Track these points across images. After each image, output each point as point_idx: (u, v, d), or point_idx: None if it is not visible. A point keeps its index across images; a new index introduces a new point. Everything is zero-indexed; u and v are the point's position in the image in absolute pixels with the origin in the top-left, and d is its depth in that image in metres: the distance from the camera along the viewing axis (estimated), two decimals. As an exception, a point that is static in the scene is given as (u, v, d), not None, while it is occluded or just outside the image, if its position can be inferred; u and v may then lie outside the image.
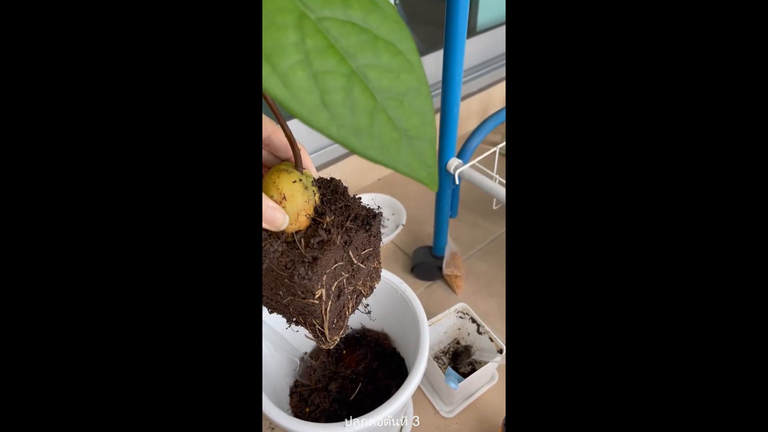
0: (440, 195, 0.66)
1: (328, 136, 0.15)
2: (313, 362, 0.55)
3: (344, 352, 0.58)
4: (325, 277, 0.26)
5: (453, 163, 0.61)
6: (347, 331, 0.32)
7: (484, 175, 0.59)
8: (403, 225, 0.88)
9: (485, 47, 1.15)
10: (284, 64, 0.14)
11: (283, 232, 0.27)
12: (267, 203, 0.24)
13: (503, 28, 1.15)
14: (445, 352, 0.68)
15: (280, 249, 0.26)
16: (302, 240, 0.26)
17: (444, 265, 0.76)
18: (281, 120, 0.26)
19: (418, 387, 0.62)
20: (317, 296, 0.26)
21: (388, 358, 0.57)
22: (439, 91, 0.99)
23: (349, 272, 0.29)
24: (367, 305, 0.34)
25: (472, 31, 1.12)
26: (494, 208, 0.70)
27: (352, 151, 0.15)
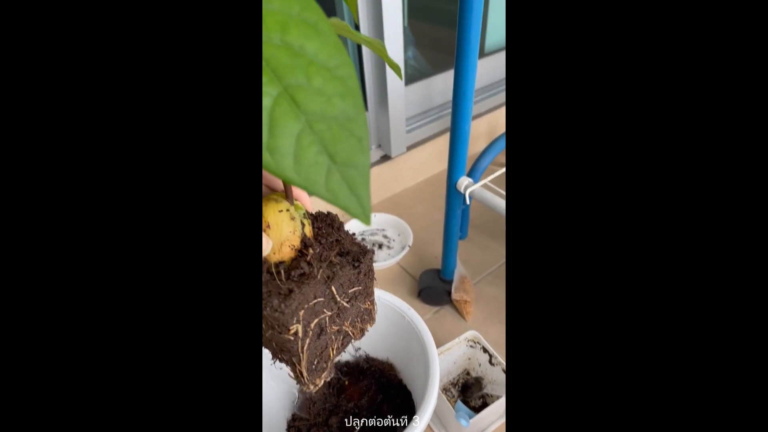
0: (449, 215, 0.64)
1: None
2: (313, 394, 0.51)
3: (346, 383, 0.54)
4: (302, 313, 0.25)
5: (463, 182, 0.58)
6: (332, 375, 0.30)
7: (496, 195, 0.56)
8: (409, 246, 0.85)
9: (493, 69, 1.14)
10: None
11: (265, 261, 0.26)
12: None
13: (511, 50, 1.15)
14: (454, 384, 0.64)
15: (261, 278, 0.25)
16: (282, 271, 0.25)
17: (453, 290, 0.72)
18: None
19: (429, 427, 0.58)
20: (292, 332, 0.25)
21: (393, 390, 0.53)
22: (448, 111, 0.97)
23: (332, 310, 0.27)
24: (358, 348, 0.31)
25: (481, 53, 1.11)
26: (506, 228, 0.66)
27: (268, 170, 0.15)
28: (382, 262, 0.82)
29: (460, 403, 0.56)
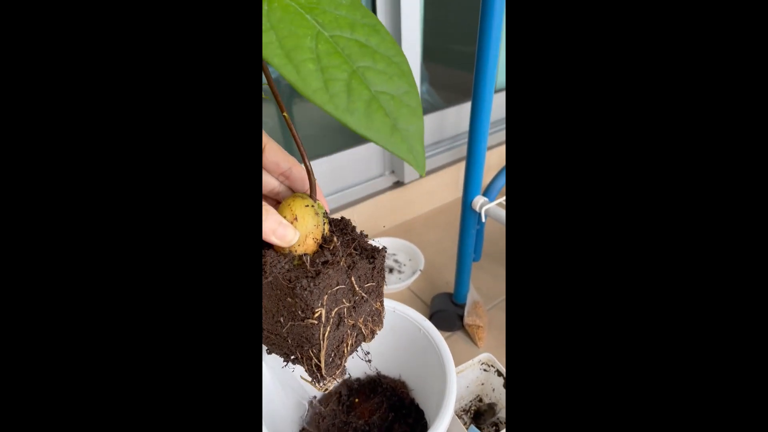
0: (464, 234, 0.64)
1: (327, 111, 0.18)
2: (323, 409, 0.49)
3: (356, 400, 0.52)
4: (326, 297, 0.26)
5: (479, 201, 0.59)
6: (345, 375, 0.31)
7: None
8: (420, 270, 0.84)
9: (502, 104, 1.18)
10: (298, 58, 0.18)
11: (290, 252, 0.28)
12: (280, 221, 0.26)
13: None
14: (466, 411, 0.61)
15: (286, 266, 0.27)
16: (308, 258, 0.27)
17: (465, 314, 0.71)
18: (303, 153, 0.28)
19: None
20: (316, 315, 0.26)
21: (405, 410, 0.51)
22: (460, 142, 1.00)
23: (350, 301, 0.28)
24: (368, 353, 0.33)
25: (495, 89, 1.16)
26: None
27: (346, 126, 0.18)
28: (393, 286, 0.81)
29: (473, 427, 0.53)
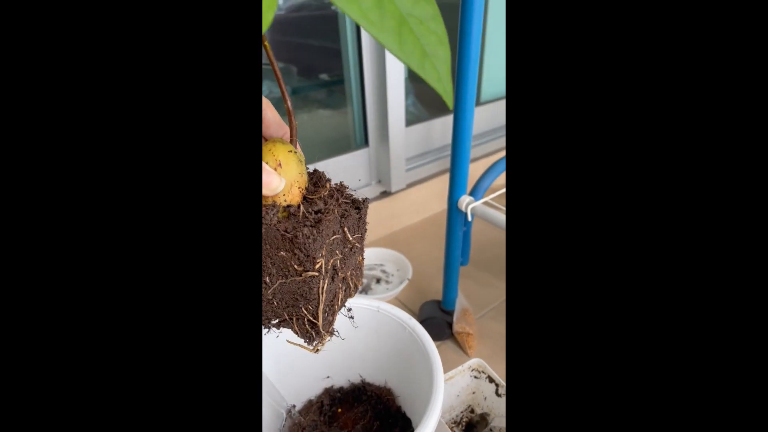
0: (451, 236, 0.62)
1: (364, 27, 0.17)
2: (302, 419, 0.46)
3: (339, 410, 0.49)
4: (325, 246, 0.24)
5: (465, 200, 0.58)
6: (333, 332, 0.29)
7: (498, 211, 0.56)
8: (408, 279, 0.82)
9: (489, 118, 1.20)
10: None
11: (274, 204, 0.25)
12: (263, 167, 0.24)
13: (503, 102, 1.21)
14: (457, 423, 0.58)
15: (275, 219, 0.24)
16: (300, 208, 0.25)
17: (454, 321, 0.68)
18: (284, 91, 0.26)
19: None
20: (318, 266, 0.24)
21: (391, 418, 0.47)
22: (447, 153, 1.01)
23: (342, 252, 0.27)
24: (350, 309, 0.31)
25: (477, 102, 1.17)
26: (510, 251, 0.64)
27: (382, 43, 0.18)
28: (381, 296, 0.79)
29: (465, 438, 0.50)
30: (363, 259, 0.31)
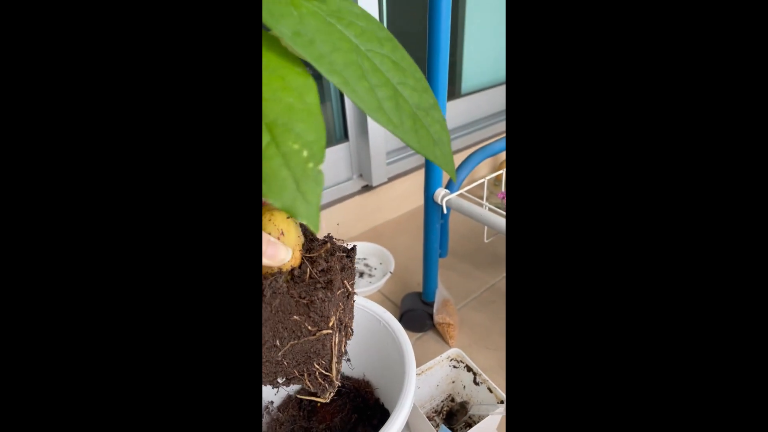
0: (428, 228, 0.63)
1: (390, 131, 0.19)
2: (281, 415, 0.46)
3: (318, 404, 0.49)
4: (336, 303, 0.25)
5: (440, 193, 0.58)
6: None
7: (474, 204, 0.56)
8: (391, 272, 0.82)
9: (469, 110, 1.20)
10: (353, 76, 0.19)
11: (280, 269, 0.26)
12: (267, 239, 0.24)
13: (484, 93, 1.22)
14: (437, 412, 0.59)
15: (285, 285, 0.25)
16: (307, 270, 0.26)
17: (435, 312, 0.69)
18: None
19: (407, 453, 0.52)
20: (331, 323, 0.25)
21: (370, 410, 0.48)
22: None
23: (344, 304, 0.28)
24: (345, 352, 0.32)
25: (457, 94, 1.17)
26: (486, 240, 0.65)
27: (405, 142, 0.20)
28: (363, 289, 0.79)
29: (444, 427, 0.51)
30: (353, 302, 0.32)
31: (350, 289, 0.29)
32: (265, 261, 0.24)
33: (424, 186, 0.60)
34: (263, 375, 0.28)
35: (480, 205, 0.57)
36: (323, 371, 0.26)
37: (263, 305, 0.24)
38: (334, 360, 0.27)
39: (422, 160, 1.07)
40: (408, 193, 1.04)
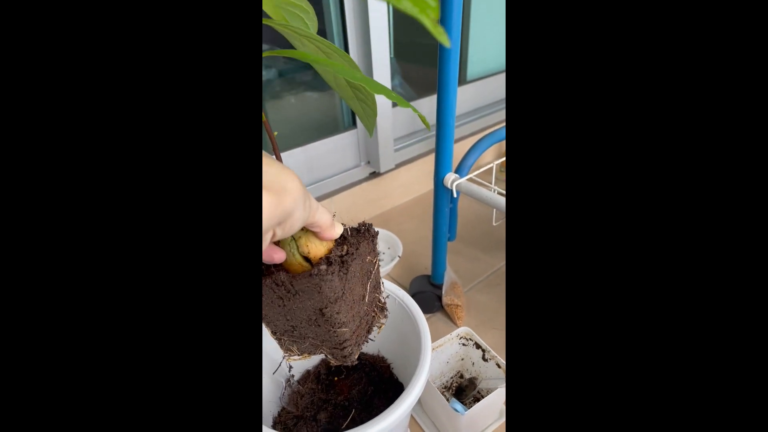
0: (437, 213, 0.65)
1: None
2: (301, 387, 0.49)
3: (335, 378, 0.52)
4: (353, 283, 0.29)
5: (450, 177, 0.60)
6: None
7: (482, 187, 0.58)
8: (399, 257, 0.85)
9: (475, 96, 1.21)
10: None
11: (294, 261, 0.29)
12: (330, 218, 0.28)
13: (490, 79, 1.22)
14: (447, 387, 0.61)
15: (306, 274, 0.28)
16: (332, 257, 0.29)
17: (443, 293, 0.71)
18: (278, 155, 0.29)
19: (418, 425, 0.55)
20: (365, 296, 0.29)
21: (385, 384, 0.51)
22: (434, 132, 1.02)
23: (365, 275, 0.31)
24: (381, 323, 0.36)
25: (463, 80, 1.18)
26: (494, 224, 0.67)
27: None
28: (372, 273, 0.81)
29: (454, 400, 0.54)
30: (380, 276, 0.35)
31: (370, 265, 0.32)
32: (332, 234, 0.28)
33: (434, 170, 0.62)
34: (297, 346, 0.31)
35: (488, 188, 0.59)
36: (357, 332, 0.31)
37: (291, 297, 0.27)
38: (368, 320, 0.31)
39: (430, 147, 1.08)
40: (415, 179, 1.06)
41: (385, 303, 0.35)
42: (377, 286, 0.34)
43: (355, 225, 0.33)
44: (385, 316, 0.35)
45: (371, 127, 0.32)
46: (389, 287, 0.47)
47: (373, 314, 0.34)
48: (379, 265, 0.34)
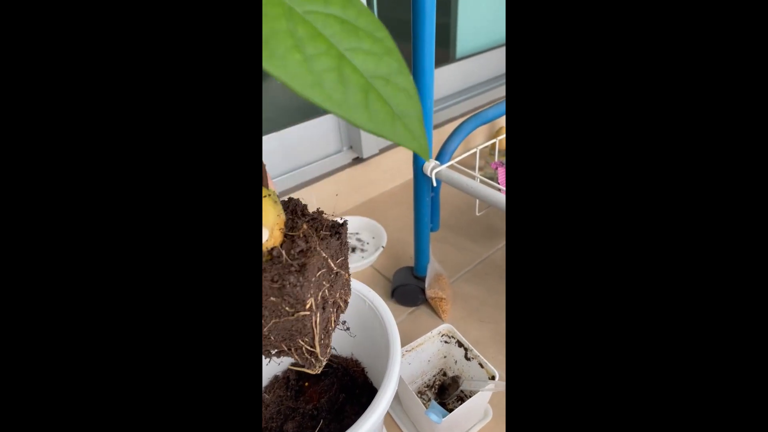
0: (418, 202, 0.60)
1: (329, 110, 0.16)
2: (266, 396, 0.45)
3: (306, 384, 0.48)
4: (312, 285, 0.25)
5: (429, 164, 0.56)
6: (331, 352, 0.31)
7: (465, 176, 0.53)
8: (383, 247, 0.81)
9: (465, 74, 1.15)
10: (281, 48, 0.16)
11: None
12: None
13: (482, 56, 1.16)
14: (429, 386, 0.58)
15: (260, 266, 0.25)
16: (282, 252, 0.26)
17: (427, 286, 0.67)
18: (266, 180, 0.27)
19: (397, 427, 0.52)
20: (308, 306, 0.25)
21: (358, 389, 0.47)
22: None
23: (329, 281, 0.28)
24: (344, 321, 0.33)
25: (452, 58, 1.12)
26: (477, 214, 0.63)
27: (353, 124, 0.17)
28: (356, 264, 0.78)
29: (434, 402, 0.50)
30: (349, 275, 0.32)
31: (335, 268, 0.28)
32: None
33: (412, 157, 0.58)
34: None
35: (472, 177, 0.54)
36: (308, 347, 0.27)
37: None
38: (317, 338, 0.27)
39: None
40: (400, 165, 1.01)
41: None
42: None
43: (330, 219, 0.30)
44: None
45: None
46: (359, 288, 0.43)
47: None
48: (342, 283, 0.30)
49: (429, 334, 0.55)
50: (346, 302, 0.32)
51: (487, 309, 0.70)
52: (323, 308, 0.27)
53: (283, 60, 0.16)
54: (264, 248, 0.26)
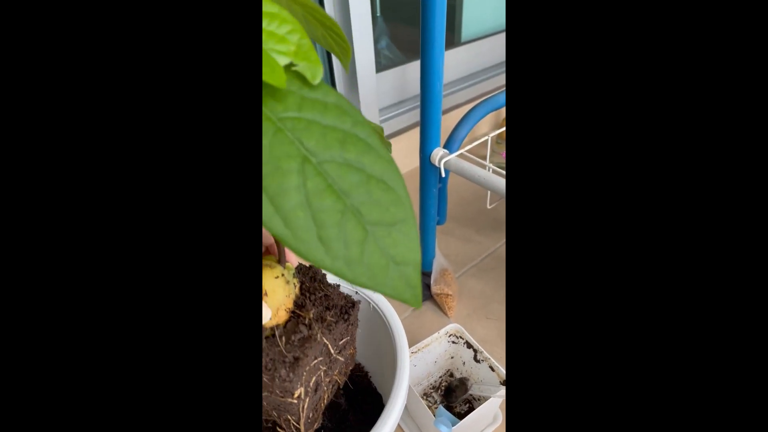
0: (425, 194, 0.57)
1: (323, 267, 0.16)
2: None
3: (306, 388, 0.45)
4: (304, 375, 0.25)
5: (438, 153, 0.52)
6: (320, 423, 0.31)
7: (475, 165, 0.50)
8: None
9: (469, 59, 1.10)
10: (286, 206, 0.16)
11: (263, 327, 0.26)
12: None
13: (488, 40, 1.11)
14: (435, 388, 0.56)
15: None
16: (282, 337, 0.26)
17: (432, 282, 0.64)
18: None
19: (402, 430, 0.49)
20: (296, 395, 0.25)
21: (362, 396, 0.44)
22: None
23: (327, 365, 0.28)
24: (339, 388, 0.32)
25: (456, 42, 1.07)
26: (488, 207, 0.59)
27: (343, 279, 0.16)
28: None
29: (441, 408, 0.48)
30: (354, 348, 0.31)
31: (334, 354, 0.28)
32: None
33: (419, 146, 0.54)
34: None
35: (482, 166, 0.51)
36: (295, 423, 0.27)
37: None
38: (302, 420, 0.27)
39: (418, 118, 0.99)
40: (403, 154, 0.97)
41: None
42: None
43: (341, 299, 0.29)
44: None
45: (347, 63, 0.26)
46: (364, 290, 0.40)
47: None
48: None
49: (436, 334, 0.51)
50: (346, 374, 0.31)
51: (494, 305, 0.67)
52: (315, 390, 0.27)
53: (286, 218, 0.16)
54: (266, 326, 0.26)
